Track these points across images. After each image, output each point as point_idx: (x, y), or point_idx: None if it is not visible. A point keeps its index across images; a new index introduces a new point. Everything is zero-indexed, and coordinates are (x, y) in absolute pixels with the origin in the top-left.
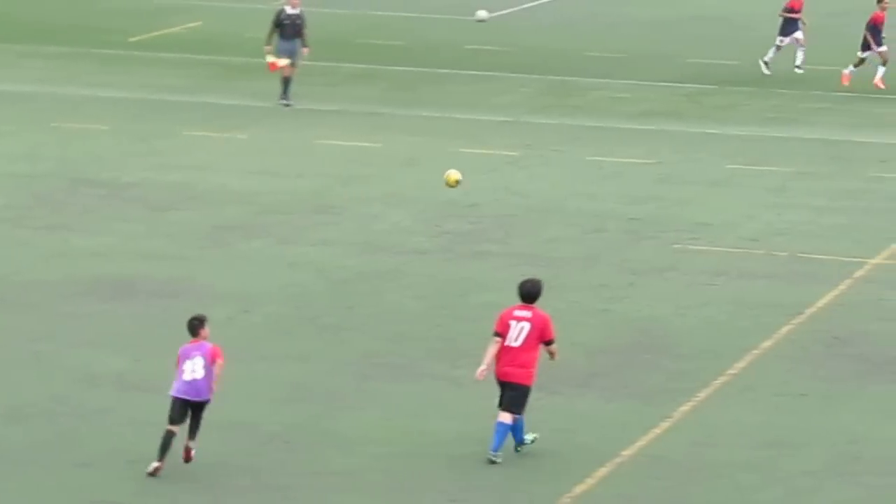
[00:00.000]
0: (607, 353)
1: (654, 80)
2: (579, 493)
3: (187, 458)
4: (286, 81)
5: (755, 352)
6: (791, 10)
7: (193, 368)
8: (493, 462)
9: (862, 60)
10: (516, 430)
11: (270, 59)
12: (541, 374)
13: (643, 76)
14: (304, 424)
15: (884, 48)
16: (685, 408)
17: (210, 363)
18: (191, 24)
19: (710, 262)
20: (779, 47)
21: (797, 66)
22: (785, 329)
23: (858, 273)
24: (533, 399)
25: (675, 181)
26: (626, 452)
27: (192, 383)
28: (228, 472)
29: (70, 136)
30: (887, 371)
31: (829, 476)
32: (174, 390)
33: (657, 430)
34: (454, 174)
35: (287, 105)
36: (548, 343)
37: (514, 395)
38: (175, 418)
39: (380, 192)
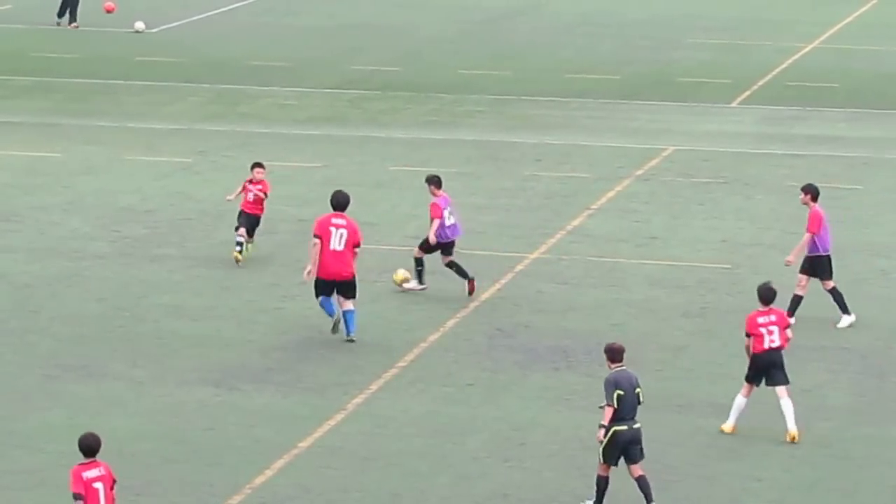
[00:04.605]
0: (282, 349)
1: (318, 86)
2: (259, 484)
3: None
4: None
5: (423, 345)
6: None
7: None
8: (352, 341)
9: None
10: (350, 320)
11: None
12: (221, 370)
13: (308, 83)
14: None
15: None
16: (358, 400)
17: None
18: None
19: (378, 260)
20: None
21: None
22: (451, 322)
23: (518, 267)
24: (210, 395)
25: (341, 183)
26: (303, 444)
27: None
28: None
29: None
30: (547, 360)
31: (495, 462)
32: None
33: (332, 422)
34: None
35: None
36: (356, 245)
37: (350, 287)
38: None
39: (59, 200)
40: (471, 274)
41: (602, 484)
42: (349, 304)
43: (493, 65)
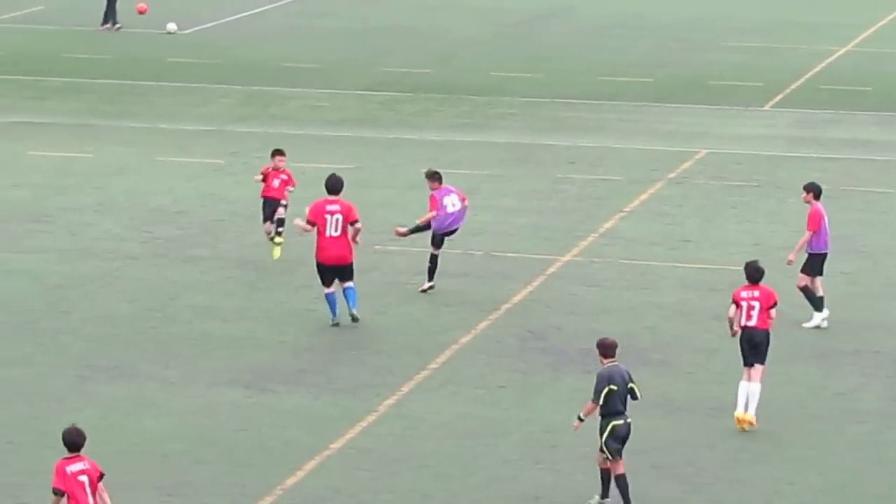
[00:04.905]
0: (314, 350)
1: (350, 88)
2: (291, 485)
3: None
4: None
5: (454, 347)
6: None
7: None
8: (356, 318)
9: None
10: (351, 296)
11: None
12: (254, 371)
13: (340, 85)
14: (25, 426)
15: None
16: (389, 401)
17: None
18: None
19: (409, 262)
20: None
21: None
22: (482, 325)
23: (550, 270)
24: (242, 397)
25: (373, 185)
26: (335, 445)
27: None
28: None
29: None
30: (579, 362)
31: (527, 464)
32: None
33: (363, 424)
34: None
35: None
36: (353, 223)
37: (348, 271)
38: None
39: (91, 201)
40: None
41: (622, 482)
42: (348, 283)
43: (525, 67)
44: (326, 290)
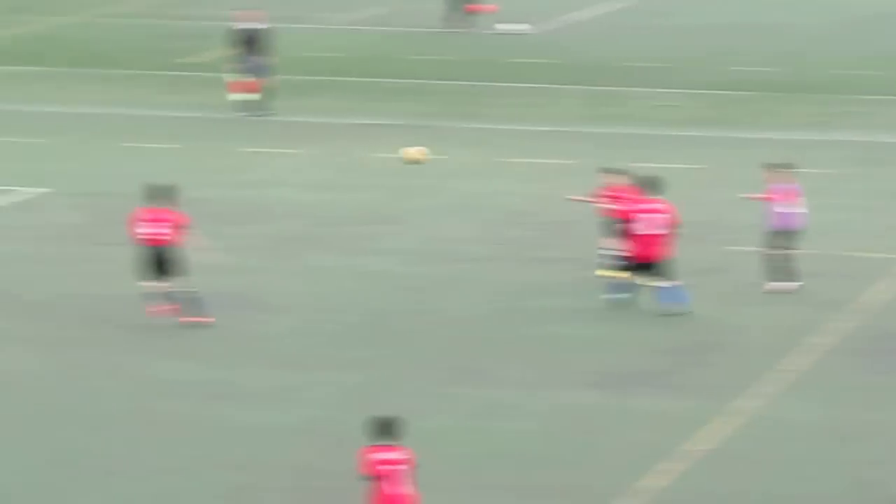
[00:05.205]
0: (667, 352)
1: (695, 87)
2: (645, 488)
3: None
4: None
5: (812, 347)
6: None
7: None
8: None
9: None
10: (673, 295)
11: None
12: (607, 373)
13: (685, 84)
14: None
15: None
16: (743, 403)
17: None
18: None
19: (760, 262)
20: None
21: None
22: (835, 325)
23: None
24: (600, 397)
25: (720, 185)
26: (689, 447)
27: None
28: (313, 474)
29: (139, 154)
30: None
31: (892, 467)
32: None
33: (718, 425)
34: (413, 152)
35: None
36: (673, 226)
37: (661, 268)
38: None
39: (438, 202)
40: (798, 279)
41: None
42: (666, 282)
43: (873, 64)
44: (619, 280)
